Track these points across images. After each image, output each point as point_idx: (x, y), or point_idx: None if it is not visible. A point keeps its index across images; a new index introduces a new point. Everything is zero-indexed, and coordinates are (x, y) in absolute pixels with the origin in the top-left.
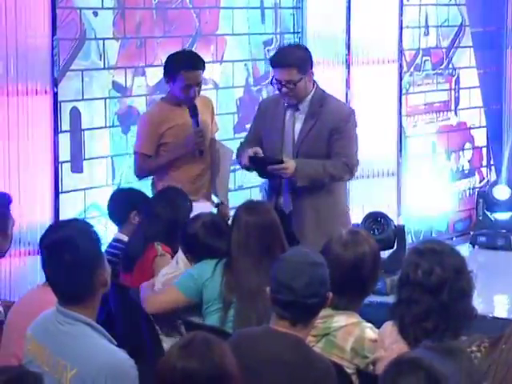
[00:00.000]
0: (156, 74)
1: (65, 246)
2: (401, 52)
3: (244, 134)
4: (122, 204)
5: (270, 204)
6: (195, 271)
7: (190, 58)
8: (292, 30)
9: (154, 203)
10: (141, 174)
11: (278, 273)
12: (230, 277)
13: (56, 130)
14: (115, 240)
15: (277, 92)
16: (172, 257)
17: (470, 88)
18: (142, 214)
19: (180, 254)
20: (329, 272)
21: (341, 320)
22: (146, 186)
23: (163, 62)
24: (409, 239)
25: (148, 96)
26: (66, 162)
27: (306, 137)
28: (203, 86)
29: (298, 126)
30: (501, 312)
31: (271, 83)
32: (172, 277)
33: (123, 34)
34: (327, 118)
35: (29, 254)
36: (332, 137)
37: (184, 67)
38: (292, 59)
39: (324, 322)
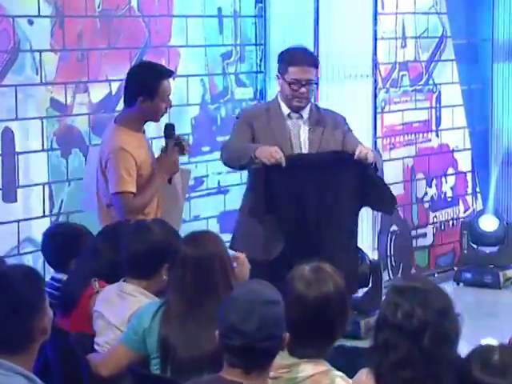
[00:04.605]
0: (100, 91)
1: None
2: (375, 66)
3: (200, 158)
4: (60, 250)
5: (217, 235)
6: (135, 320)
7: (162, 66)
8: (254, 42)
9: (96, 240)
10: (129, 217)
11: (226, 315)
12: (167, 326)
13: None
14: (53, 279)
15: (289, 95)
16: None
17: (452, 106)
18: (83, 250)
19: (129, 287)
20: (291, 315)
21: (307, 369)
22: (89, 218)
23: (108, 76)
24: (385, 276)
25: (91, 115)
26: None
27: (320, 144)
28: None
29: (305, 135)
30: None
31: (289, 84)
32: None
33: (62, 46)
34: (334, 122)
35: None
36: (345, 137)
37: (165, 75)
38: (315, 58)
39: (289, 372)
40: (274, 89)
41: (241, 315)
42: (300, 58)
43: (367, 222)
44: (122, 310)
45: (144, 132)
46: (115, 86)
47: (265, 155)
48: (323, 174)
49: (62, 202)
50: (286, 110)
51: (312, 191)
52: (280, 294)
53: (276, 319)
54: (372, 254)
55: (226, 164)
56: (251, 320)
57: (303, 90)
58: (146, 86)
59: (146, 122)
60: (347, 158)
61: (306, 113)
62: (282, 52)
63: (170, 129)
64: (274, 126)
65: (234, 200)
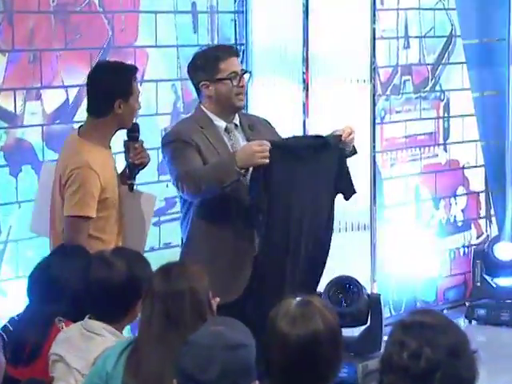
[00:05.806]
0: (55, 98)
1: None
2: (374, 70)
3: None
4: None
5: (196, 267)
6: (100, 361)
7: (124, 62)
8: (233, 41)
9: (53, 271)
10: (79, 244)
11: (183, 362)
12: (130, 371)
13: None
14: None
15: (232, 93)
16: None
17: (463, 116)
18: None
19: (95, 324)
20: (276, 357)
21: None
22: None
23: (64, 81)
24: (386, 312)
25: (45, 126)
26: None
27: None
28: None
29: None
30: None
31: (229, 80)
32: None
33: (11, 46)
34: (263, 124)
35: None
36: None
37: (133, 72)
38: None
39: None
40: (256, 92)
41: (199, 363)
42: (225, 50)
43: (365, 251)
44: (87, 352)
45: (110, 148)
46: (73, 92)
47: (259, 157)
48: (306, 165)
49: (10, 227)
50: (221, 123)
51: (298, 188)
52: (251, 332)
53: (242, 365)
54: (371, 287)
55: (195, 195)
56: (211, 368)
57: (244, 80)
58: (120, 85)
59: (118, 130)
60: (333, 141)
61: (237, 119)
62: (194, 61)
63: (133, 130)
64: (216, 145)
65: None
